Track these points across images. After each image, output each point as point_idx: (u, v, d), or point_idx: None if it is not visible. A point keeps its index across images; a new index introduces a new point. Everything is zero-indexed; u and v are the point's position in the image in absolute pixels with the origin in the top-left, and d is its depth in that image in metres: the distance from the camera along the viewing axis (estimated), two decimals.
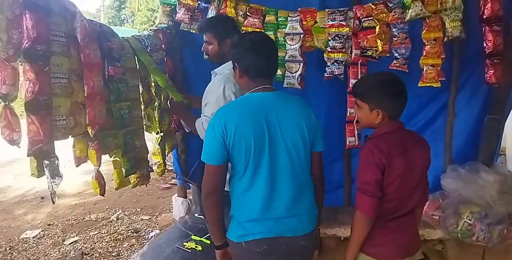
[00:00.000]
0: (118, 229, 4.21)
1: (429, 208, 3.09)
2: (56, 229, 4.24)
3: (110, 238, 3.99)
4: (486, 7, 2.50)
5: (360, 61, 2.73)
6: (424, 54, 2.63)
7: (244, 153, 1.61)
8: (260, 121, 1.62)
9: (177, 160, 3.62)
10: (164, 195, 5.29)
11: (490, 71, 2.60)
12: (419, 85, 2.69)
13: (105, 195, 2.46)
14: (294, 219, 1.70)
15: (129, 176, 2.57)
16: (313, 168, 1.78)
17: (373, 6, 2.62)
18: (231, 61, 1.79)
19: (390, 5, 2.60)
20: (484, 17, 2.52)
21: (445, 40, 2.59)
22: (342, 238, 3.10)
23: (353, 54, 2.69)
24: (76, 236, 4.07)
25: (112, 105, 2.36)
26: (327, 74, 2.73)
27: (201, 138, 2.25)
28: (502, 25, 2.53)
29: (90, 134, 2.18)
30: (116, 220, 4.46)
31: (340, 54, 2.67)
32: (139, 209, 4.80)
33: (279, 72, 2.71)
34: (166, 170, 3.34)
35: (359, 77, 2.74)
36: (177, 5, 2.79)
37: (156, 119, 2.99)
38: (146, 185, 2.83)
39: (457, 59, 2.98)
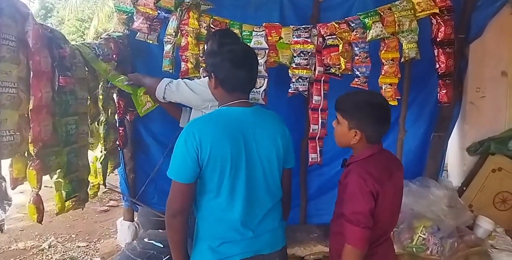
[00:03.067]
0: (52, 258, 3.76)
1: None
2: None
3: None
4: (440, 30, 2.65)
5: (323, 78, 2.74)
6: (382, 73, 2.72)
7: (219, 171, 1.51)
8: (237, 138, 1.53)
9: (124, 180, 3.35)
10: (102, 219, 4.85)
11: (442, 91, 2.74)
12: None
13: (32, 221, 2.14)
14: (269, 235, 1.65)
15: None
16: (283, 185, 1.73)
17: (336, 25, 2.67)
18: None
19: (352, 25, 2.66)
20: (438, 40, 2.67)
21: (401, 60, 2.70)
22: (303, 257, 3.03)
23: (316, 71, 2.70)
24: None
25: (57, 119, 2.10)
26: (291, 90, 2.70)
27: (159, 98, 2.34)
28: (453, 48, 2.70)
29: (32, 152, 1.90)
30: (49, 248, 3.97)
31: (305, 70, 2.66)
32: (74, 235, 4.34)
33: None
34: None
35: (322, 94, 2.76)
36: (135, 13, 2.61)
37: (101, 135, 2.74)
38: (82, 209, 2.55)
39: (407, 79, 3.14)
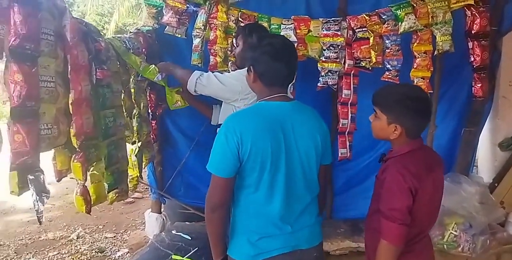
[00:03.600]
0: (80, 249, 3.84)
1: None
2: (9, 250, 3.78)
3: (72, 258, 3.63)
4: (475, 22, 2.57)
5: (352, 72, 2.70)
6: (414, 66, 2.66)
7: (260, 166, 1.51)
8: (277, 133, 1.52)
9: (152, 172, 3.39)
10: (128, 210, 4.94)
11: (477, 85, 2.67)
12: None
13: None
14: (307, 230, 1.65)
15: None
16: (320, 181, 1.71)
17: (366, 17, 2.62)
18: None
19: (383, 17, 2.61)
20: (473, 32, 2.60)
21: (435, 53, 2.63)
22: (329, 252, 3.02)
23: (346, 65, 2.66)
24: (33, 257, 3.65)
25: (96, 112, 2.13)
26: (320, 84, 2.67)
27: (190, 91, 2.31)
28: (488, 41, 2.62)
29: (75, 145, 1.94)
30: (77, 238, 4.07)
31: (334, 64, 2.62)
32: (101, 226, 4.43)
33: None
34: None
35: (352, 88, 2.72)
36: (164, 7, 2.62)
37: (135, 128, 2.77)
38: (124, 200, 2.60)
39: (438, 72, 3.06)
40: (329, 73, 2.63)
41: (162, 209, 3.52)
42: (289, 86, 2.50)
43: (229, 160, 1.49)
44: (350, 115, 2.74)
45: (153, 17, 2.64)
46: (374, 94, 1.66)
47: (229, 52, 2.67)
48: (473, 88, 2.71)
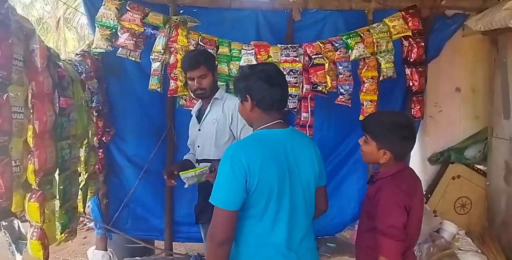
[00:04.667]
0: None
1: None
2: None
3: None
4: (413, 51, 2.88)
5: (309, 96, 2.82)
6: (364, 90, 2.87)
7: (267, 196, 1.48)
8: (282, 162, 1.52)
9: (97, 206, 3.10)
10: (53, 249, 4.39)
11: (416, 107, 2.98)
12: (360, 118, 2.89)
13: None
14: (308, 255, 1.65)
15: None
16: (320, 203, 1.72)
17: (321, 45, 2.77)
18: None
19: (335, 45, 2.78)
20: (411, 60, 2.90)
21: (380, 79, 2.87)
22: None
23: (304, 89, 2.77)
24: None
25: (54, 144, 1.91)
26: None
27: None
28: (424, 68, 2.94)
29: (34, 182, 1.71)
30: None
31: (294, 88, 2.71)
32: None
33: None
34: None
35: (309, 111, 2.83)
36: (119, 29, 2.47)
37: (82, 159, 2.53)
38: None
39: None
40: (289, 97, 2.70)
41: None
42: None
43: (237, 191, 1.44)
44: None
45: (107, 39, 2.47)
46: (364, 122, 1.76)
47: None
48: (412, 110, 3.01)
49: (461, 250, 3.35)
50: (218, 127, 2.14)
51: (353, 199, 3.45)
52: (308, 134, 2.86)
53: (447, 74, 3.53)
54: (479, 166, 3.63)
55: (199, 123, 2.25)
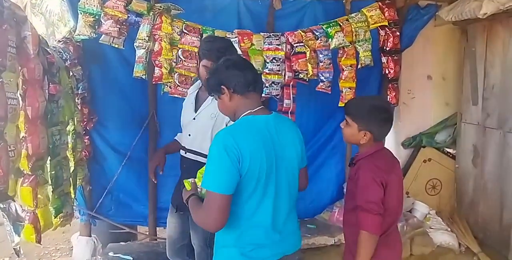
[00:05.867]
0: None
1: (339, 214, 3.43)
2: None
3: None
4: (389, 41, 3.01)
5: (291, 83, 2.90)
6: (343, 78, 2.98)
7: (256, 180, 1.54)
8: (269, 146, 1.58)
9: (80, 192, 3.11)
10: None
11: (392, 94, 3.12)
12: (339, 105, 3.02)
13: None
14: (292, 236, 1.73)
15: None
16: (301, 183, 1.78)
17: (302, 33, 2.85)
18: None
19: (316, 34, 2.87)
20: (387, 48, 3.03)
21: (358, 66, 2.99)
22: None
23: (286, 77, 2.85)
24: None
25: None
26: (264, 94, 2.80)
27: None
28: (399, 56, 3.08)
29: (27, 167, 1.74)
30: None
31: (277, 76, 2.79)
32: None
33: None
34: None
35: (291, 97, 2.92)
36: (102, 16, 2.46)
37: (70, 145, 2.54)
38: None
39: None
40: (272, 84, 2.78)
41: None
42: None
43: (232, 175, 1.48)
44: None
45: (90, 26, 2.46)
46: (346, 105, 1.87)
47: (174, 64, 2.63)
48: (388, 96, 3.15)
49: (432, 228, 3.57)
50: (216, 122, 2.03)
51: (331, 183, 3.60)
52: None
53: (419, 63, 3.70)
54: (448, 150, 3.86)
55: (196, 112, 2.12)
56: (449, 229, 3.57)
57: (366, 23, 2.94)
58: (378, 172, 1.74)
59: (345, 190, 3.50)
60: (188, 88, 2.58)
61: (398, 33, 3.03)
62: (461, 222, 3.63)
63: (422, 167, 3.78)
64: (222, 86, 1.62)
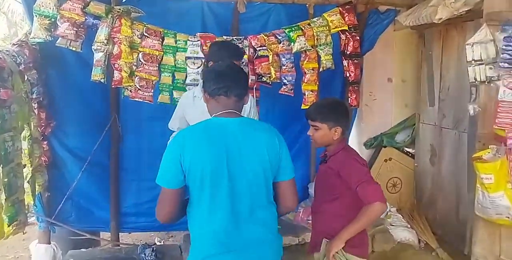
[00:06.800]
0: None
1: (303, 214, 3.50)
2: None
3: None
4: (349, 44, 3.09)
5: (255, 86, 2.92)
6: (305, 81, 3.03)
7: (199, 182, 1.54)
8: (220, 150, 1.56)
9: (39, 199, 3.00)
10: None
11: (352, 96, 3.20)
12: (302, 107, 3.06)
13: None
14: (259, 247, 1.63)
15: None
16: (286, 200, 1.68)
17: (265, 37, 2.88)
18: None
19: (279, 37, 2.90)
20: (348, 52, 3.10)
21: (320, 70, 3.05)
22: None
23: (250, 80, 2.86)
24: None
25: None
26: None
27: None
28: (359, 60, 3.16)
29: None
30: None
31: None
32: None
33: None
34: None
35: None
36: (58, 18, 2.39)
37: (26, 151, 2.46)
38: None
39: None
40: None
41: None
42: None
43: (172, 170, 1.53)
44: None
45: (46, 29, 2.38)
46: (308, 113, 1.92)
47: (134, 67, 2.59)
48: (349, 99, 3.23)
49: (392, 225, 3.68)
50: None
51: (297, 184, 3.64)
52: None
53: (380, 66, 3.80)
54: (408, 149, 4.00)
55: None
56: (409, 226, 3.69)
57: (327, 27, 3.00)
58: (359, 158, 1.89)
59: (310, 190, 3.61)
60: (149, 92, 2.56)
61: (358, 38, 3.10)
62: (420, 219, 3.76)
63: (383, 166, 3.90)
64: (203, 90, 1.70)
